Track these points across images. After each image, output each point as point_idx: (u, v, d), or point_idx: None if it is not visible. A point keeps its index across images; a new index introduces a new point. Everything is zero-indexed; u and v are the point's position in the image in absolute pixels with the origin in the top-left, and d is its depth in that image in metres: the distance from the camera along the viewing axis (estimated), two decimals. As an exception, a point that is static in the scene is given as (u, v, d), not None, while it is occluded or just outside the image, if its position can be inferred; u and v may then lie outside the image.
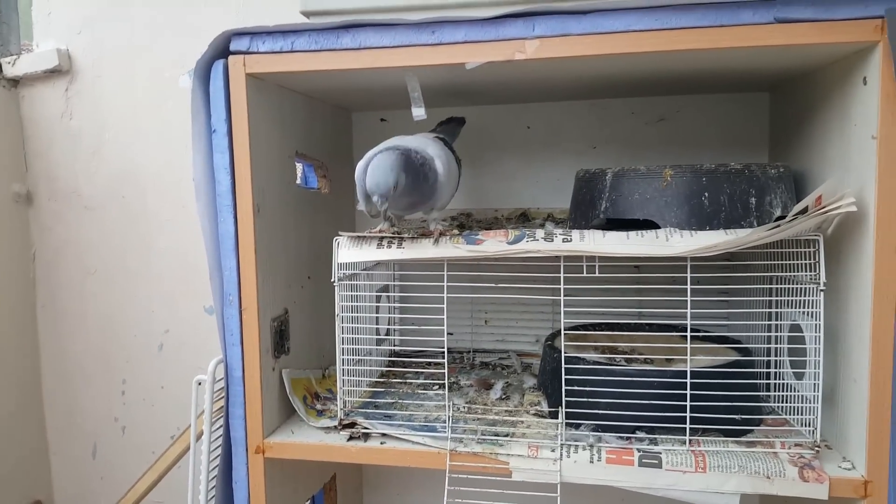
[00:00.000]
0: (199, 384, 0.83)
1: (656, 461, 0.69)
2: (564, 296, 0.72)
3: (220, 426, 0.81)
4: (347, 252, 0.76)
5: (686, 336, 0.77)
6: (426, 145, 0.77)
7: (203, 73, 0.76)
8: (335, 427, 0.79)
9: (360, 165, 0.74)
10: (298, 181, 0.93)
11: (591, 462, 0.70)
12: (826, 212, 0.65)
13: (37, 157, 1.30)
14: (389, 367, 0.99)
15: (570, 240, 0.70)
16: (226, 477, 0.80)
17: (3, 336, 1.27)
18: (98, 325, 1.30)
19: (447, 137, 0.89)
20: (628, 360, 0.81)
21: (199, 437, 0.85)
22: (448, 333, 0.76)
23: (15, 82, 1.28)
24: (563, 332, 0.75)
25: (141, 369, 1.29)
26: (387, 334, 1.01)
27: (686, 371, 0.70)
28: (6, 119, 1.27)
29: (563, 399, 0.74)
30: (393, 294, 1.00)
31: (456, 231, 0.76)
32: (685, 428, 0.70)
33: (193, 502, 0.83)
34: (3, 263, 1.27)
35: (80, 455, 1.35)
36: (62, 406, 1.35)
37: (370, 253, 0.75)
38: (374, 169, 0.70)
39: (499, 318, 1.08)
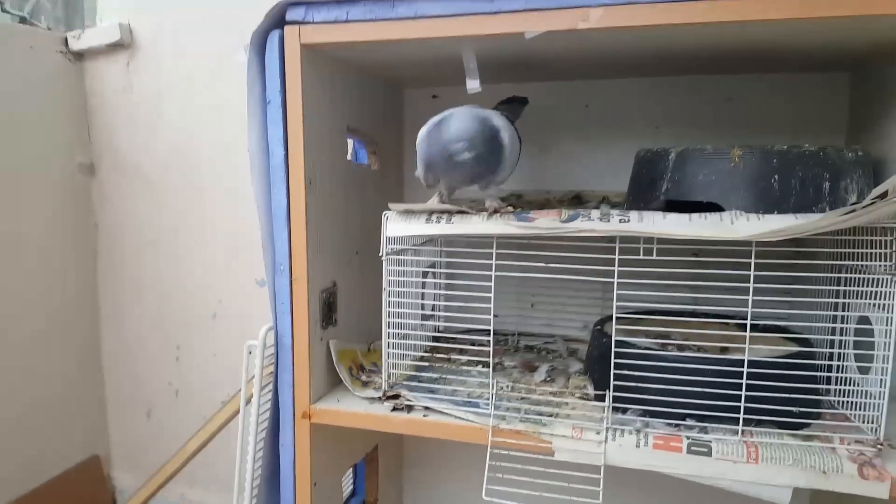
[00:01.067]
0: (251, 351, 0.85)
1: (706, 449, 0.67)
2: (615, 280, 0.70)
3: (269, 391, 0.83)
4: (396, 225, 0.76)
5: (740, 326, 0.74)
6: (492, 116, 0.76)
7: (259, 44, 0.77)
8: (379, 398, 0.80)
9: (423, 131, 0.73)
10: (349, 156, 0.94)
11: (638, 447, 0.68)
12: (908, 197, 0.61)
13: (100, 130, 1.34)
14: (433, 344, 0.99)
15: (628, 220, 0.68)
16: (273, 440, 0.82)
17: (68, 302, 1.34)
18: (155, 294, 1.35)
19: (509, 115, 0.87)
20: (680, 348, 0.78)
21: (248, 400, 0.87)
22: (493, 315, 0.75)
23: (80, 56, 1.33)
24: (614, 314, 0.73)
25: (195, 337, 1.33)
26: (432, 311, 1.01)
27: (744, 360, 0.67)
28: (71, 91, 1.32)
29: (612, 382, 0.72)
30: (439, 270, 0.99)
31: (510, 209, 0.75)
32: (738, 418, 0.68)
33: (242, 462, 0.85)
34: (69, 232, 1.33)
35: (136, 416, 1.41)
36: (120, 370, 1.41)
37: (419, 227, 0.75)
38: (457, 119, 0.70)
39: (546, 302, 1.06)
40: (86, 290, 1.38)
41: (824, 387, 0.76)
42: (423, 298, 0.94)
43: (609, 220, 0.68)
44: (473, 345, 0.88)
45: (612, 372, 0.72)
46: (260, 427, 0.84)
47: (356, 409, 0.80)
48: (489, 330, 0.75)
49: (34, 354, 1.27)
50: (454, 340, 1.00)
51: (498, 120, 0.76)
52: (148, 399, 1.40)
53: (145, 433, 1.41)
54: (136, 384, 1.40)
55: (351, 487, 1.07)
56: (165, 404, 1.38)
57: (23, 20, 1.28)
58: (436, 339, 1.00)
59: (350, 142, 0.94)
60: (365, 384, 0.86)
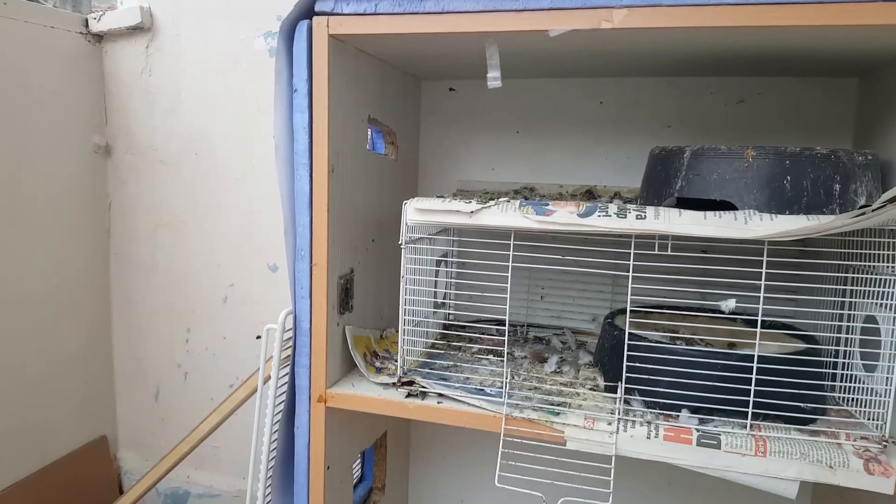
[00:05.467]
0: (266, 334, 0.87)
1: (715, 442, 0.69)
2: (628, 274, 0.72)
3: (286, 374, 0.85)
4: (417, 214, 0.77)
5: (747, 322, 0.76)
6: None
7: (287, 33, 0.78)
8: (394, 384, 0.82)
9: None
10: (368, 146, 0.95)
11: (648, 438, 0.70)
12: (918, 201, 0.63)
13: (116, 111, 1.35)
14: (444, 333, 1.01)
15: (644, 217, 0.69)
16: (288, 422, 0.84)
17: (79, 282, 1.35)
18: (167, 276, 1.36)
19: None
20: (688, 343, 0.80)
21: (264, 382, 0.89)
22: (503, 307, 0.76)
23: (99, 38, 1.33)
24: (628, 307, 0.75)
25: (205, 320, 1.34)
26: (443, 300, 1.03)
27: (753, 356, 0.69)
28: (90, 73, 1.32)
29: (624, 374, 0.74)
30: (452, 259, 1.01)
31: None
32: (747, 412, 0.70)
33: (258, 443, 0.87)
34: (82, 212, 1.34)
35: (144, 397, 1.43)
36: (129, 350, 1.42)
37: (440, 216, 0.76)
38: None
39: (555, 294, 1.08)
40: (97, 271, 1.39)
41: (829, 383, 0.78)
42: (435, 287, 0.96)
43: (626, 216, 0.70)
44: (484, 334, 0.90)
45: (624, 364, 0.74)
46: (275, 409, 0.86)
47: (371, 394, 0.81)
48: (500, 320, 0.77)
49: (44, 333, 1.28)
50: (465, 329, 1.02)
51: None
52: (156, 381, 1.41)
53: (153, 415, 1.42)
54: (144, 366, 1.41)
55: (359, 473, 1.09)
56: (174, 387, 1.40)
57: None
58: (446, 327, 1.02)
59: (369, 131, 0.95)
60: (379, 370, 0.88)
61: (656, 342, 0.77)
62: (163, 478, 1.12)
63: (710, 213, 0.69)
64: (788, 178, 0.71)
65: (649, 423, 0.72)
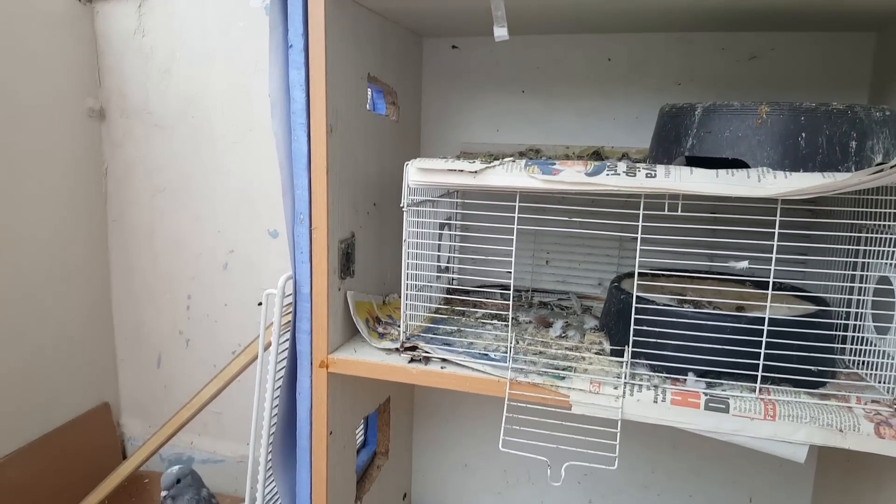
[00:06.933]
0: (266, 300, 0.85)
1: (723, 406, 0.67)
2: (636, 236, 0.70)
3: (286, 340, 0.83)
4: (419, 175, 0.75)
5: (756, 285, 0.74)
6: None
7: (282, -15, 0.75)
8: (397, 349, 0.80)
9: None
10: (368, 106, 0.92)
11: (655, 402, 0.69)
12: (939, 157, 0.60)
13: (110, 73, 1.32)
14: (448, 298, 1.00)
15: (655, 175, 0.67)
16: (290, 388, 0.83)
17: (77, 249, 1.33)
18: (166, 242, 1.34)
19: None
20: (696, 306, 0.79)
21: (265, 348, 0.87)
22: (508, 271, 0.75)
23: (90, -3, 1.29)
24: (636, 271, 0.73)
25: (206, 286, 1.33)
26: (447, 266, 1.01)
27: (762, 318, 0.68)
28: (81, 34, 1.29)
29: (630, 338, 0.72)
30: (456, 223, 0.99)
31: None
32: (756, 376, 0.68)
33: (259, 409, 0.86)
34: (78, 178, 1.32)
35: (146, 364, 1.42)
36: (130, 318, 1.42)
37: (442, 177, 0.74)
38: None
39: (561, 258, 1.06)
40: (96, 237, 1.37)
41: (839, 346, 0.77)
42: (439, 250, 0.94)
43: (635, 175, 0.67)
44: (488, 299, 0.88)
45: (631, 328, 0.72)
46: (277, 375, 0.85)
47: (373, 359, 0.80)
48: (505, 284, 0.75)
49: (44, 302, 1.27)
50: (469, 294, 1.00)
51: None
52: (158, 348, 1.41)
53: (155, 382, 1.42)
54: (145, 333, 1.41)
55: (362, 438, 1.09)
56: (175, 353, 1.39)
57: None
58: (450, 292, 1.00)
59: (369, 90, 0.92)
60: (381, 336, 0.87)
61: (664, 305, 0.75)
62: (165, 444, 1.12)
63: (722, 171, 0.66)
64: (803, 134, 0.69)
65: (656, 387, 0.71)
